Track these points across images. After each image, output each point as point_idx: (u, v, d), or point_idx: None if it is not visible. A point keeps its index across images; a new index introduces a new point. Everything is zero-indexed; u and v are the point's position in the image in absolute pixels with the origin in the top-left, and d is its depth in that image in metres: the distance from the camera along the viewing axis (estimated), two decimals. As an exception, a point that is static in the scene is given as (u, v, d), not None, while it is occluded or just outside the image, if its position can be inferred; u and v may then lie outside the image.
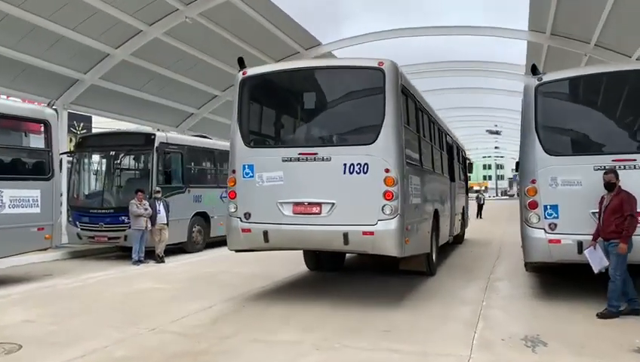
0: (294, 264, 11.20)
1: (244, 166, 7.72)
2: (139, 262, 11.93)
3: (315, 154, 7.45)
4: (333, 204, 7.25)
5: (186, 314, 6.86)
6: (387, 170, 7.10)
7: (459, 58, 29.52)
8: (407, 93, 8.08)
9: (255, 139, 8.24)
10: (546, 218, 7.30)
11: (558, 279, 8.78)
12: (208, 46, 19.75)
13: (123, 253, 13.20)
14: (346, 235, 7.10)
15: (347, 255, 10.82)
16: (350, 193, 7.23)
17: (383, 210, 7.04)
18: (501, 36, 22.41)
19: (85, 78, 17.33)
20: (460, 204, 14.80)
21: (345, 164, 7.24)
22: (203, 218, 14.61)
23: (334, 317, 6.74)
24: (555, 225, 7.22)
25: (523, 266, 9.84)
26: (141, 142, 13.28)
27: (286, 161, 7.54)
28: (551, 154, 7.34)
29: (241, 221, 7.68)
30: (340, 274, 10.17)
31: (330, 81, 8.34)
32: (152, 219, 12.11)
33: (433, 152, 10.35)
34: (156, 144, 12.92)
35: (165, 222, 12.32)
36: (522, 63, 27.56)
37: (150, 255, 12.25)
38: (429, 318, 6.63)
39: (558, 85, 7.77)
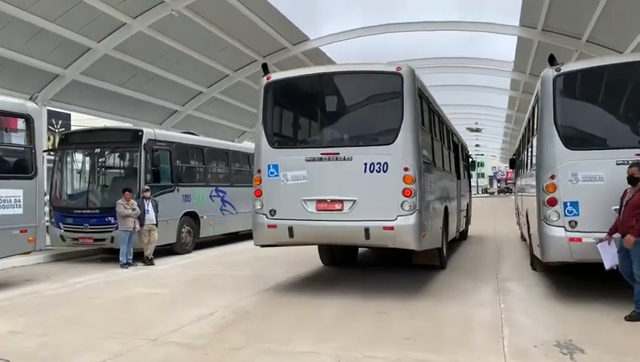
0: (290, 265, 10.91)
1: (269, 165, 8.04)
2: (127, 264, 11.34)
3: (337, 154, 7.75)
4: (354, 201, 7.57)
5: (187, 323, 6.36)
6: (406, 169, 7.44)
7: (443, 55, 29.34)
8: (421, 96, 8.40)
9: (279, 140, 8.51)
10: (566, 215, 6.95)
11: (569, 278, 8.46)
12: (194, 40, 19.15)
13: (109, 256, 12.60)
14: (367, 230, 7.42)
15: (360, 250, 11.21)
16: (371, 190, 7.54)
17: (402, 206, 7.37)
18: (492, 32, 22.16)
19: (66, 73, 16.64)
20: (464, 201, 14.85)
21: (365, 163, 7.57)
22: (192, 218, 14.05)
23: (349, 322, 6.34)
24: (576, 222, 6.88)
25: (529, 265, 9.77)
26: (128, 139, 12.66)
27: (309, 160, 7.86)
28: (571, 149, 7.00)
29: (267, 217, 8.00)
30: (351, 270, 10.21)
31: (351, 85, 8.59)
32: (141, 219, 11.54)
33: (443, 151, 10.64)
34: (144, 141, 12.31)
35: (154, 222, 11.76)
36: (510, 60, 27.48)
37: (138, 257, 11.67)
38: (449, 323, 6.21)
39: (578, 76, 7.41)
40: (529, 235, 9.52)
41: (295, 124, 9.28)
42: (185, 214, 13.71)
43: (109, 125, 20.86)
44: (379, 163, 7.53)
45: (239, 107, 27.87)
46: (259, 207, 8.07)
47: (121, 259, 11.38)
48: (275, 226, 7.93)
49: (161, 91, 22.43)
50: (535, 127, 8.14)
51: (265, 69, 8.52)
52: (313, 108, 8.85)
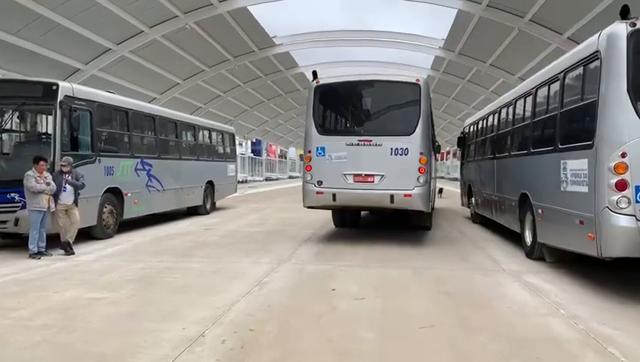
0: (247, 251, 9.02)
1: (317, 148, 10.29)
2: (39, 254, 8.86)
3: (370, 141, 10.12)
4: (383, 175, 10.00)
5: (173, 353, 4.37)
6: (421, 153, 9.98)
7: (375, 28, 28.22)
8: (430, 100, 11.11)
9: (325, 128, 10.77)
10: (638, 201, 5.78)
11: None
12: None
13: (10, 242, 9.94)
14: (392, 197, 9.93)
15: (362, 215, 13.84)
16: (395, 168, 9.95)
17: (418, 180, 9.90)
18: (433, 3, 21.12)
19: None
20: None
21: (391, 148, 9.99)
22: (115, 195, 11.59)
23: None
24: (648, 210, 5.76)
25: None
26: (38, 94, 9.95)
27: (349, 145, 10.16)
28: (647, 121, 5.83)
29: (315, 186, 10.24)
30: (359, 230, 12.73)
31: (381, 90, 11.17)
32: (56, 196, 9.08)
33: (433, 139, 13.04)
34: (60, 97, 9.71)
35: (72, 201, 9.30)
36: (441, 37, 26.83)
37: (52, 243, 9.21)
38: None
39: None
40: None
41: (337, 117, 11.86)
42: (107, 191, 11.23)
43: (10, 76, 17.08)
44: (401, 148, 9.96)
45: (152, 70, 24.90)
46: (309, 178, 10.32)
47: (30, 246, 8.88)
48: (322, 193, 10.19)
49: (61, 44, 19.10)
50: (581, 95, 6.90)
51: (315, 75, 10.86)
52: (352, 106, 11.56)
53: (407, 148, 9.90)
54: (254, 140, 57.44)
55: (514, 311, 5.75)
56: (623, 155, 5.82)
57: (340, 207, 11.10)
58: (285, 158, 74.79)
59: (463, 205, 17.00)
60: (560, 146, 7.37)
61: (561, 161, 7.22)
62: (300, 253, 9.46)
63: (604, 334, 4.93)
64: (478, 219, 14.38)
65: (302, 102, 46.30)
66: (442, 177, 44.47)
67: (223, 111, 36.81)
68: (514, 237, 10.69)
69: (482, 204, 13.44)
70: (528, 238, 9.18)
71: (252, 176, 50.18)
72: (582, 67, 6.81)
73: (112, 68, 22.53)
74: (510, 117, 10.75)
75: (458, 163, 49.92)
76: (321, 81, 10.68)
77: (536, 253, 8.68)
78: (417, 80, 10.35)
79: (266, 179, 54.05)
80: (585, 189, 6.47)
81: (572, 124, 7.27)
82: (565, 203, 7.15)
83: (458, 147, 18.27)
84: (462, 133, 17.44)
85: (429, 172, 10.33)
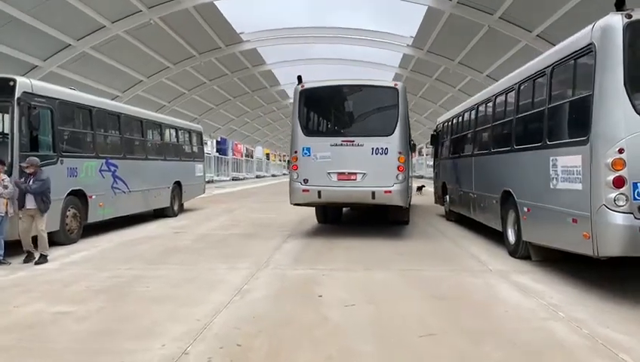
0: (226, 259, 8.57)
1: (303, 148, 10.86)
2: (-3, 263, 8.21)
3: (353, 141, 10.77)
4: (364, 173, 10.60)
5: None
6: (400, 153, 10.66)
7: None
8: (407, 103, 11.90)
9: (310, 130, 11.36)
10: (635, 199, 5.59)
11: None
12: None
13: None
14: (373, 193, 10.53)
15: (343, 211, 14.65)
16: (376, 167, 10.58)
17: (397, 178, 10.57)
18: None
19: None
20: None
21: (372, 148, 10.61)
22: (79, 198, 10.93)
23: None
24: (646, 208, 5.59)
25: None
26: (-7, 90, 9.24)
27: (333, 145, 10.78)
28: (644, 115, 5.65)
29: (301, 184, 10.79)
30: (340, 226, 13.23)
31: (362, 94, 11.87)
32: (20, 201, 8.45)
33: (409, 139, 13.39)
34: (18, 93, 9.04)
35: (35, 206, 8.62)
36: (410, 35, 26.72)
37: (11, 251, 8.57)
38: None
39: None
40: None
41: (322, 119, 12.42)
42: (70, 193, 10.57)
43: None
44: (381, 148, 10.60)
45: (115, 67, 23.99)
46: (296, 177, 10.91)
47: (-14, 255, 8.20)
48: (308, 191, 10.77)
49: (17, 40, 18.13)
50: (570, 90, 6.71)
51: (299, 80, 11.33)
52: (335, 108, 12.21)
53: (386, 148, 10.57)
54: (219, 139, 56.52)
55: (512, 315, 5.49)
56: (621, 151, 5.63)
57: (325, 204, 11.75)
58: (252, 158, 73.99)
59: (436, 203, 16.86)
60: (548, 143, 7.18)
61: (551, 158, 7.03)
62: (279, 256, 9.04)
63: (611, 339, 4.70)
64: (453, 217, 14.24)
65: (269, 100, 45.80)
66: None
67: (187, 110, 35.93)
68: (492, 235, 10.56)
69: (459, 201, 13.28)
70: (511, 237, 9.01)
71: (218, 176, 49.32)
72: (573, 60, 6.61)
73: (72, 65, 21.57)
74: (490, 113, 10.58)
75: (424, 161, 50.39)
76: (306, 85, 11.25)
77: (521, 251, 8.51)
78: (396, 84, 11.39)
79: (233, 179, 53.24)
80: (578, 187, 6.27)
81: (563, 120, 7.08)
82: (555, 201, 6.95)
83: (431, 145, 18.11)
84: (435, 130, 17.30)
85: (407, 170, 11.04)
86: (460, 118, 13.47)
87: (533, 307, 5.78)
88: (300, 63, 36.02)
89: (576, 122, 6.52)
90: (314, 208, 12.99)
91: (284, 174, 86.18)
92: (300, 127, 11.00)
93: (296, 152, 10.93)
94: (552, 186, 7.01)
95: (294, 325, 5.15)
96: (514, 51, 21.75)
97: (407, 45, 27.70)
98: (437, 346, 4.56)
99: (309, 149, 10.80)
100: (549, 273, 7.46)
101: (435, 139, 16.87)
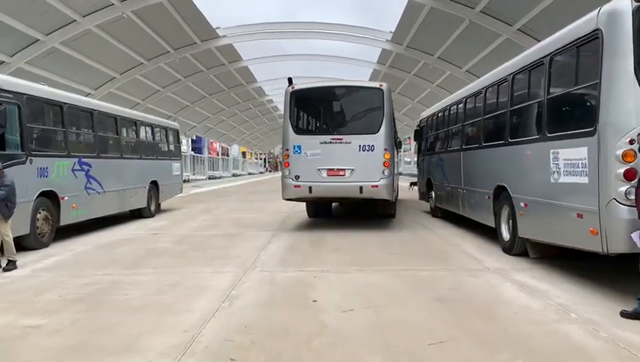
0: (209, 261, 8.12)
1: (294, 146, 11.33)
2: (-41, 271, 7.60)
3: (341, 139, 11.26)
4: (353, 169, 11.11)
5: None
6: (385, 149, 11.21)
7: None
8: (392, 103, 12.28)
9: (301, 129, 11.93)
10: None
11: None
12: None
13: None
14: (361, 188, 11.03)
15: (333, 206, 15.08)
16: (363, 163, 11.07)
17: (383, 173, 11.08)
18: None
19: None
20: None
21: (360, 145, 11.14)
22: (50, 199, 10.33)
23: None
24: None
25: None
26: (-45, 86, 8.61)
27: (322, 143, 11.27)
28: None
29: (293, 180, 11.25)
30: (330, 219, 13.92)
31: (350, 94, 12.57)
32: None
33: (396, 136, 14.25)
34: (-19, 89, 8.42)
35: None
36: (389, 30, 26.43)
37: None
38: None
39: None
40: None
41: (311, 119, 12.89)
42: (41, 194, 9.97)
43: None
44: (368, 145, 11.15)
45: (86, 63, 23.17)
46: (287, 173, 11.37)
47: (-52, 263, 7.59)
48: (299, 186, 11.25)
49: (-18, 34, 17.24)
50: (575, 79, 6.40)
51: (290, 81, 11.85)
52: (324, 108, 12.57)
53: (373, 145, 11.12)
54: (195, 138, 55.61)
55: (521, 317, 5.15)
56: (631, 142, 5.34)
57: (316, 199, 12.11)
58: (228, 156, 73.14)
59: (421, 199, 16.58)
60: (548, 135, 6.88)
61: (551, 151, 6.73)
62: (265, 258, 8.60)
63: (631, 342, 4.40)
64: (440, 213, 13.97)
65: (245, 98, 45.11)
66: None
67: (162, 108, 35.07)
68: (482, 231, 10.32)
69: (446, 198, 12.99)
70: (505, 233, 8.74)
71: (194, 174, 48.48)
72: (576, 48, 6.29)
73: (41, 61, 20.70)
74: (480, 106, 10.27)
75: (401, 158, 50.27)
76: (296, 87, 11.78)
77: (517, 248, 8.24)
78: (381, 85, 11.87)
79: (210, 178, 52.42)
80: (584, 180, 5.97)
81: (564, 111, 6.79)
82: (557, 195, 6.66)
83: (415, 140, 17.80)
84: (418, 125, 16.98)
85: (393, 165, 11.52)
86: (447, 111, 13.16)
87: (541, 308, 5.46)
88: (276, 59, 35.50)
89: (581, 112, 6.24)
90: (302, 204, 13.61)
91: (260, 173, 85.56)
92: (290, 126, 11.48)
93: (287, 150, 11.38)
94: (552, 180, 6.72)
95: (291, 335, 4.73)
96: (494, 45, 21.61)
97: (387, 40, 27.38)
98: (449, 356, 4.19)
99: (299, 147, 11.29)
100: (548, 270, 7.19)
101: (419, 135, 16.58)
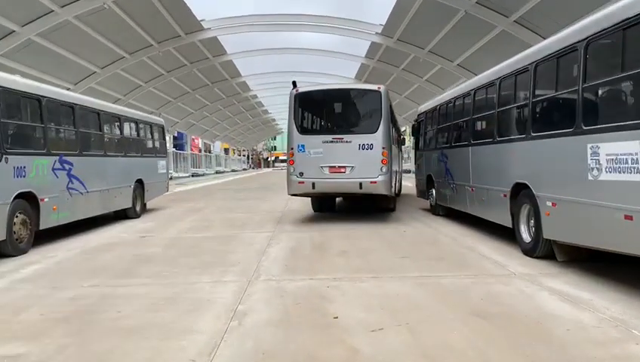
0: (207, 269, 7.38)
1: (298, 145, 12.11)
2: None
3: (342, 138, 12.03)
4: (353, 166, 11.86)
5: None
6: (383, 148, 11.93)
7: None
8: (390, 104, 13.44)
9: (304, 129, 12.63)
10: None
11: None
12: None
13: None
14: (360, 184, 11.82)
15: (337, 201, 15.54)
16: (362, 160, 11.84)
17: (381, 170, 11.84)
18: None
19: None
20: (399, 167, 19.40)
21: (359, 144, 11.89)
22: (28, 201, 9.47)
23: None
24: None
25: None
26: None
27: (325, 142, 12.04)
28: None
29: (297, 177, 12.06)
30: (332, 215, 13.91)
31: (350, 96, 13.71)
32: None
33: (393, 134, 14.57)
34: (-50, 80, 7.55)
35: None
36: (380, 23, 25.79)
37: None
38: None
39: None
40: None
41: (315, 119, 13.60)
42: (18, 196, 9.11)
43: None
44: (367, 144, 11.83)
45: (65, 57, 22.11)
46: (292, 171, 12.07)
47: None
48: (303, 182, 12.00)
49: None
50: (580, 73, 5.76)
51: (294, 84, 12.45)
52: (326, 109, 13.36)
53: (372, 144, 11.82)
54: (176, 134, 54.50)
55: (578, 336, 4.50)
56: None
57: (319, 194, 12.90)
58: (210, 153, 72.01)
59: (419, 196, 15.98)
60: (585, 127, 6.25)
61: (589, 145, 6.10)
62: (267, 264, 7.87)
63: None
64: (441, 211, 13.38)
65: (229, 93, 44.19)
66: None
67: (144, 103, 34.01)
68: (493, 230, 9.75)
69: (451, 195, 12.37)
70: (526, 234, 8.15)
71: (177, 172, 47.41)
72: (621, 30, 5.65)
73: (16, 54, 19.62)
74: (493, 98, 9.60)
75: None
76: (300, 90, 12.46)
77: (541, 250, 7.63)
78: (379, 87, 12.46)
79: (193, 175, 51.36)
80: (635, 178, 5.35)
81: (607, 100, 6.17)
82: (597, 194, 6.04)
83: (412, 135, 17.15)
84: (416, 120, 16.33)
85: (390, 163, 12.10)
86: (451, 105, 12.51)
87: (595, 324, 4.82)
88: (262, 53, 34.65)
89: (628, 102, 5.61)
90: (296, 202, 14.47)
91: (244, 170, 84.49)
92: (295, 127, 12.20)
93: (292, 149, 12.11)
94: (591, 177, 6.10)
95: (319, 363, 4.03)
96: (489, 38, 21.12)
97: (377, 33, 26.74)
98: (516, 390, 3.52)
99: (303, 146, 11.99)
100: (582, 276, 6.58)
101: (417, 130, 15.95)
